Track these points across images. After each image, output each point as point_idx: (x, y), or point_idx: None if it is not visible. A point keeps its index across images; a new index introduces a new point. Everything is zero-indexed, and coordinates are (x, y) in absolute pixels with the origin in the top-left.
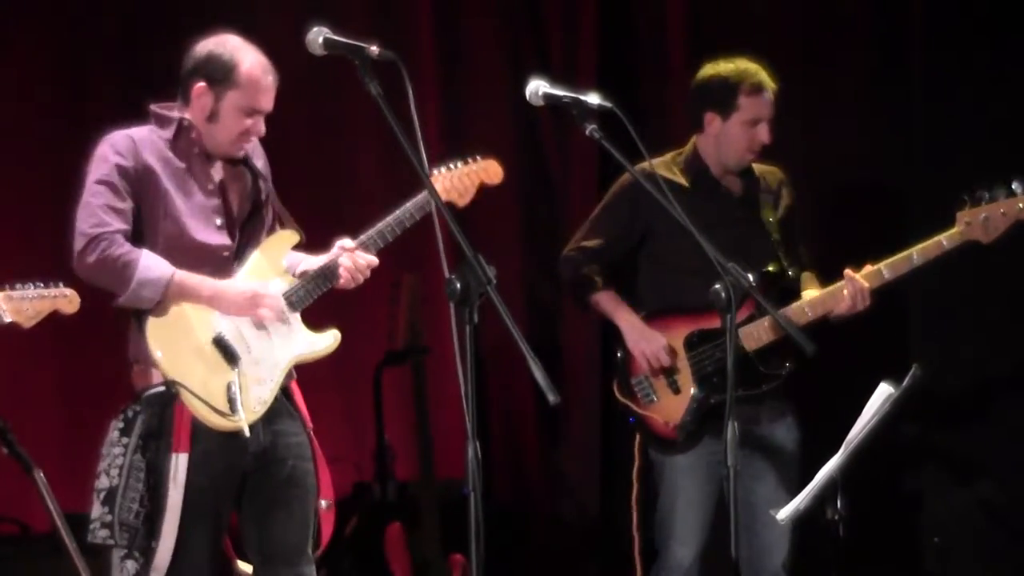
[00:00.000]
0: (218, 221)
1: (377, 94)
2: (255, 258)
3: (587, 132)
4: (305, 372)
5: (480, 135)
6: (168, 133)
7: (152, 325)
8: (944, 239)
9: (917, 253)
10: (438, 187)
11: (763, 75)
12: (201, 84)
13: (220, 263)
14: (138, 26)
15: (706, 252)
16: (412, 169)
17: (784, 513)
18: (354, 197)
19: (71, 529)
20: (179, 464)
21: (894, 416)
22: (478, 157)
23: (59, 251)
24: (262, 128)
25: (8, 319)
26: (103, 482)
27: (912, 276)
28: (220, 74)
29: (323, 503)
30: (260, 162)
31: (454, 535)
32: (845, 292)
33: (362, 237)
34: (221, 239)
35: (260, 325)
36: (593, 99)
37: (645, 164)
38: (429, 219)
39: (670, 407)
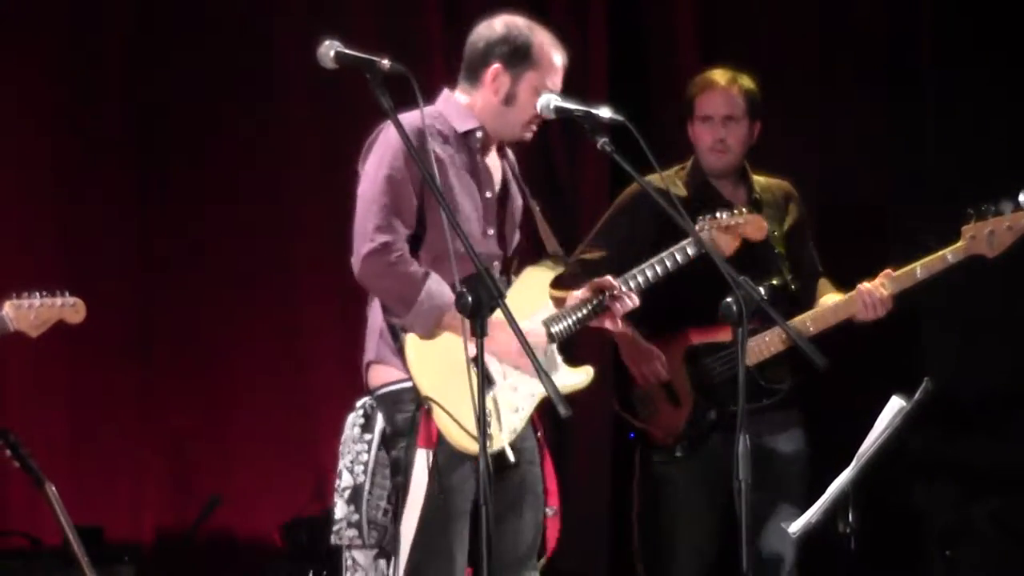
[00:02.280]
0: (491, 231)
1: (388, 107)
2: (520, 283)
3: (599, 145)
4: (315, 384)
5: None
6: (461, 124)
7: (411, 337)
8: (949, 253)
9: (921, 268)
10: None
11: (717, 75)
12: (497, 65)
13: None
14: (145, 29)
15: (707, 265)
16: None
17: (796, 526)
18: None
19: (82, 542)
20: (427, 460)
21: (905, 429)
22: (744, 210)
23: (63, 258)
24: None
25: (14, 328)
26: (346, 480)
27: (923, 289)
28: (518, 55)
29: (549, 510)
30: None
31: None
32: (861, 303)
33: (626, 276)
34: (492, 248)
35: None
36: (605, 112)
37: (654, 176)
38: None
39: (670, 420)
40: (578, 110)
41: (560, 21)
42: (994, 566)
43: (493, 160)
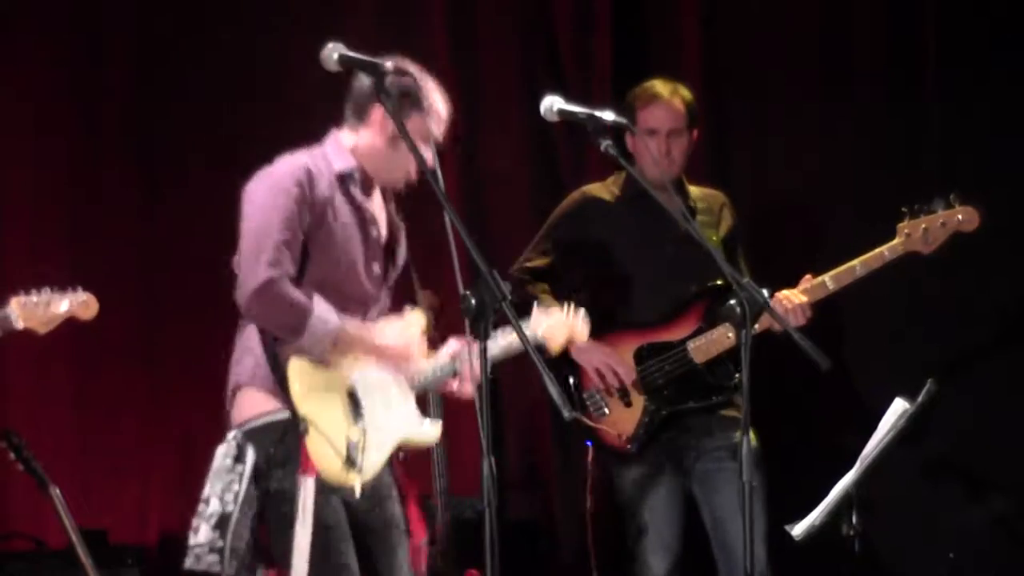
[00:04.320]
0: (376, 269)
1: (392, 110)
2: (391, 329)
3: (602, 148)
4: None
5: (495, 153)
6: (343, 164)
7: (296, 359)
8: (886, 250)
9: (860, 264)
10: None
11: (659, 87)
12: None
13: (364, 310)
14: (151, 30)
15: (651, 266)
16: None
17: (799, 529)
18: None
19: (86, 545)
20: (308, 487)
21: (909, 431)
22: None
23: (69, 259)
24: (432, 161)
25: (21, 325)
26: (213, 506)
27: (928, 292)
28: (407, 98)
29: (421, 541)
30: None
31: (469, 551)
32: (780, 309)
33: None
34: (374, 287)
35: (387, 393)
36: (608, 115)
37: (594, 185)
38: (444, 237)
39: (622, 420)
40: (581, 112)
41: (565, 26)
42: (997, 569)
43: (377, 203)
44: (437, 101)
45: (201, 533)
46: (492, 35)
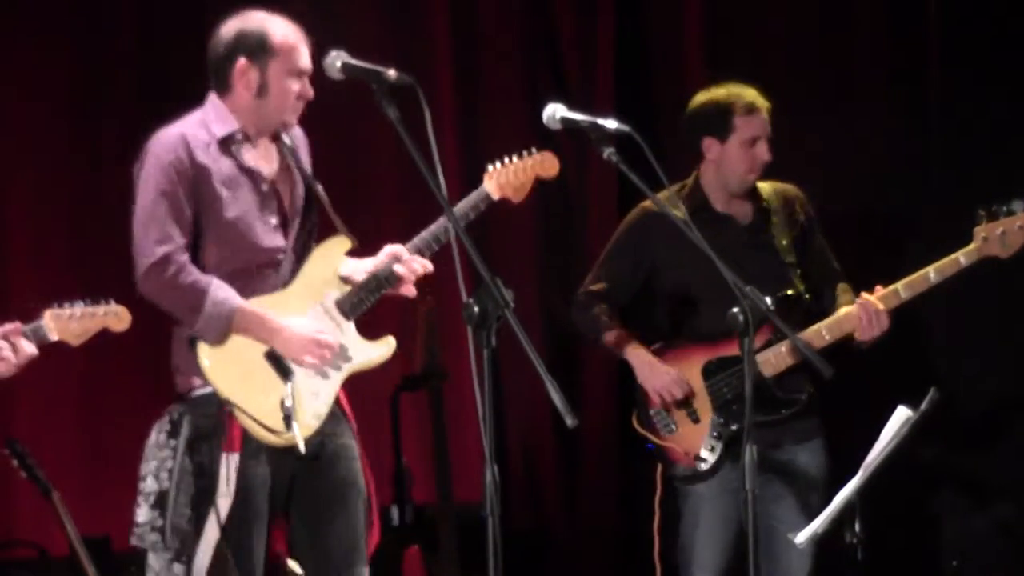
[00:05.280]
0: (273, 221)
1: (395, 118)
2: (309, 266)
3: (605, 156)
4: None
5: (497, 158)
6: (224, 127)
7: (203, 344)
8: (962, 256)
9: (934, 271)
10: (493, 183)
11: (755, 95)
12: (243, 61)
13: (274, 265)
14: (153, 29)
15: (719, 280)
16: (431, 191)
17: (802, 536)
18: (371, 220)
19: (89, 552)
20: (231, 464)
21: (912, 439)
22: (534, 150)
23: (74, 266)
24: (310, 90)
25: (54, 337)
26: (150, 485)
27: (931, 297)
28: (257, 46)
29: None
30: (304, 155)
31: (472, 558)
32: (859, 317)
33: (415, 241)
34: (276, 240)
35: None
36: (611, 123)
37: (660, 194)
38: (447, 243)
39: (690, 437)
40: (583, 120)
41: (567, 32)
42: None
43: (263, 151)
44: (287, 33)
45: (141, 512)
46: (493, 35)
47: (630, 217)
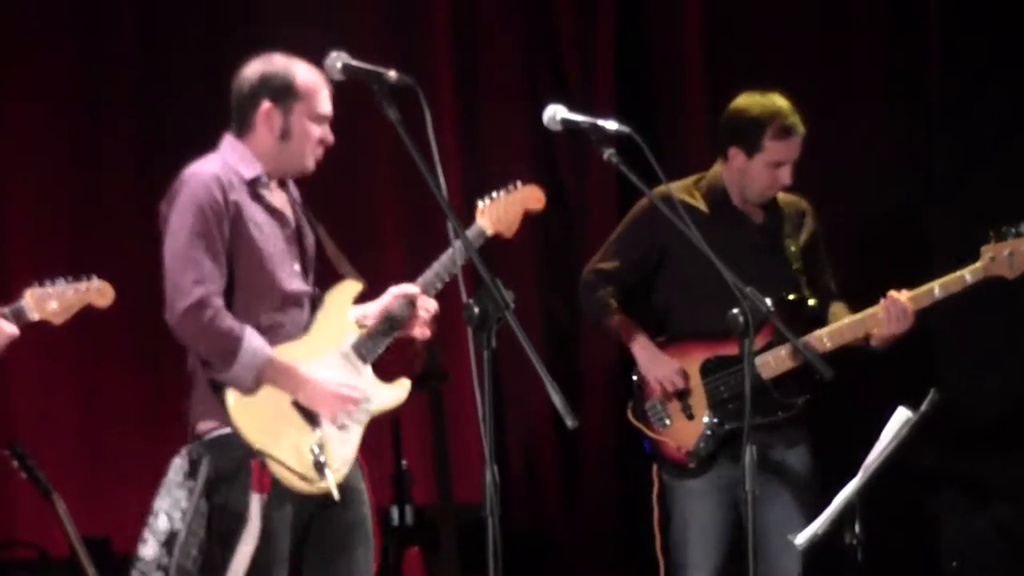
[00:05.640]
0: (296, 266)
1: (395, 119)
2: (323, 311)
3: (605, 157)
4: None
5: (498, 159)
6: (251, 170)
7: (231, 391)
8: (967, 274)
9: (939, 287)
10: (486, 220)
11: (793, 117)
12: (267, 104)
13: (298, 310)
14: (153, 29)
15: (723, 278)
16: (431, 193)
17: (802, 538)
18: (371, 221)
19: (89, 553)
20: (257, 504)
21: (912, 440)
22: (518, 183)
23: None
24: (331, 135)
25: (36, 316)
26: (163, 523)
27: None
28: (282, 89)
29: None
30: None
31: (472, 559)
32: (881, 315)
33: (420, 281)
34: (299, 285)
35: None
36: (611, 124)
37: (663, 187)
38: (447, 244)
39: (683, 432)
40: (584, 122)
41: (567, 32)
42: None
43: (280, 197)
44: (311, 77)
45: (148, 548)
46: (493, 35)
47: (644, 201)
